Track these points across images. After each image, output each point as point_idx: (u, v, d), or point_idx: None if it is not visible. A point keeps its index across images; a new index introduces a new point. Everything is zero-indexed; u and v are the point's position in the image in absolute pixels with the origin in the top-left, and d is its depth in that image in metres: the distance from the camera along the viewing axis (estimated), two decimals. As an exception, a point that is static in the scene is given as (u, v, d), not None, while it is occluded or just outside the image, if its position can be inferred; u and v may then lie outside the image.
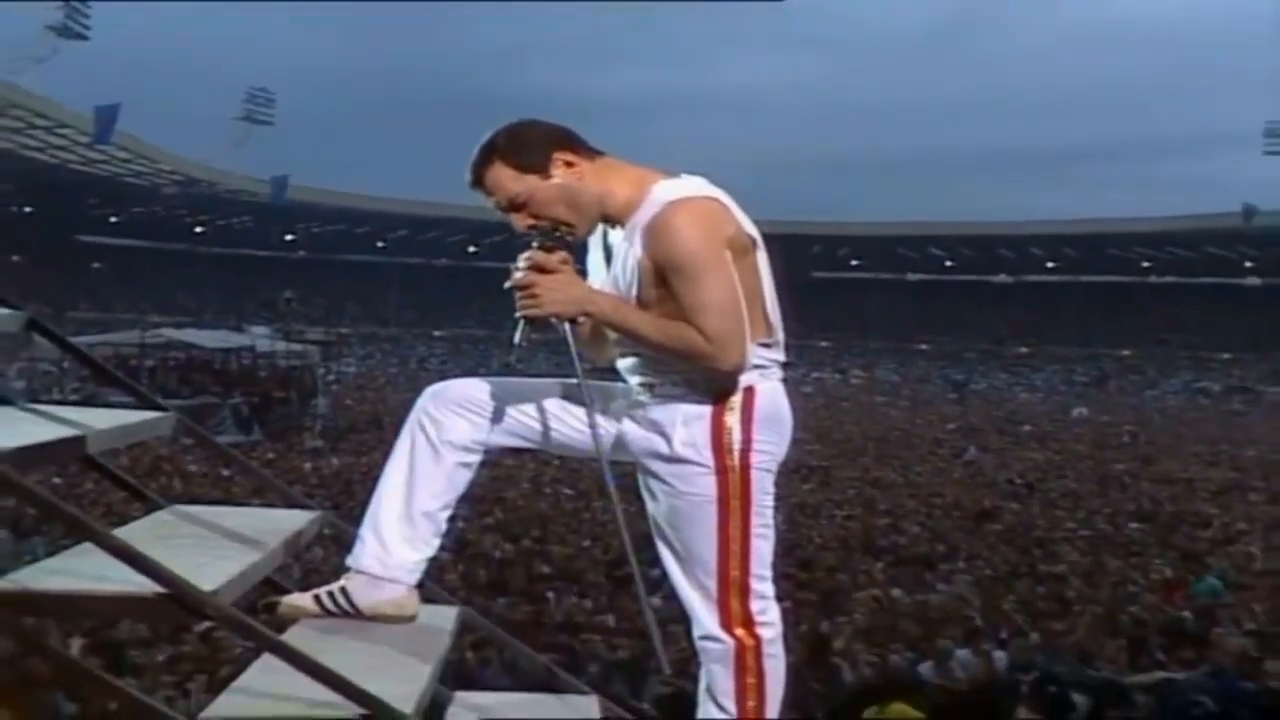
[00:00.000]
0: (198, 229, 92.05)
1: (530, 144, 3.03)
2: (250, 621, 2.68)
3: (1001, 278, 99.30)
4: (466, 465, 3.24)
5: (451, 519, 3.31)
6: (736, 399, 3.00)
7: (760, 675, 3.04)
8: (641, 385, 3.14)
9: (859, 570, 15.05)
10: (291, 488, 4.70)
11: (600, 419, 3.14)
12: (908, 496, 23.66)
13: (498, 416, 3.21)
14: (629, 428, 3.13)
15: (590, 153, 3.08)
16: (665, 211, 2.92)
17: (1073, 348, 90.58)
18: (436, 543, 3.28)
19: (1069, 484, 27.21)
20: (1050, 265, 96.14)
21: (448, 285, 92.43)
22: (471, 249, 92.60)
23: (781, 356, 3.13)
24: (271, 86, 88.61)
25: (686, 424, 3.01)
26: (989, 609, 12.70)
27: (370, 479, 3.30)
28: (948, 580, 14.87)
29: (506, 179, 3.02)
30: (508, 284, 2.96)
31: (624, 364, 3.19)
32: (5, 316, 3.36)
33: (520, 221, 3.04)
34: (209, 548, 3.03)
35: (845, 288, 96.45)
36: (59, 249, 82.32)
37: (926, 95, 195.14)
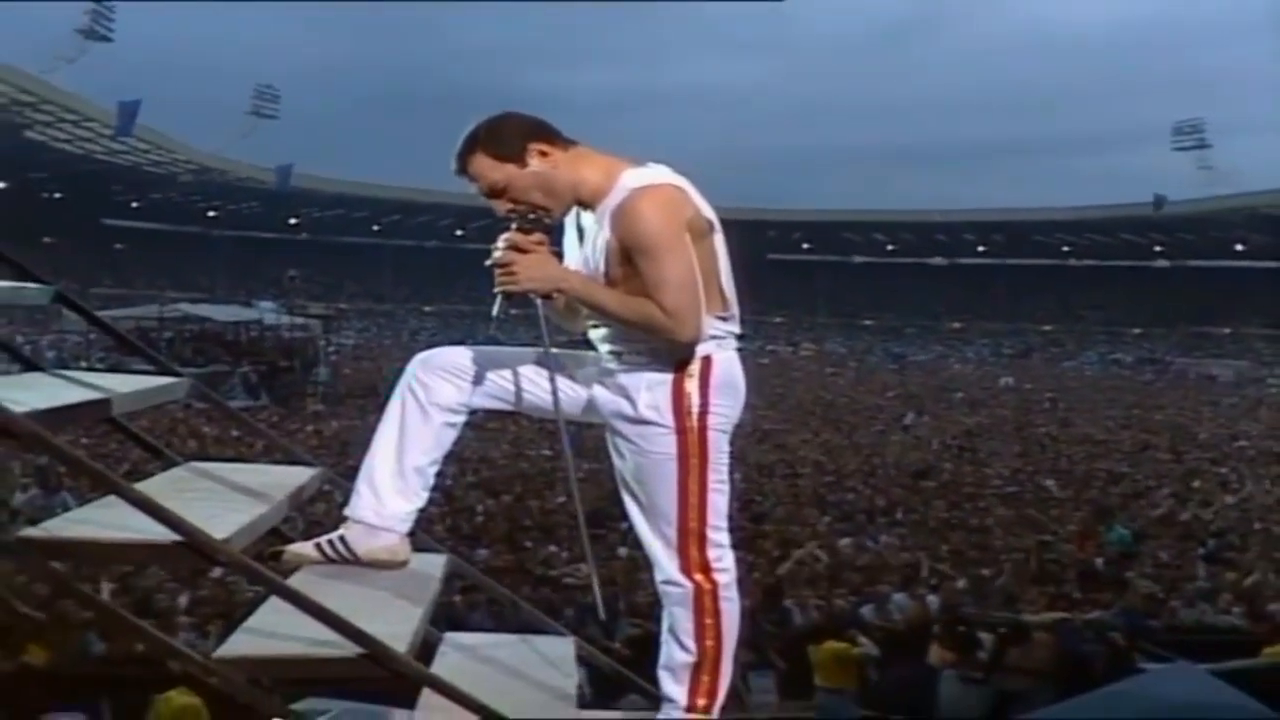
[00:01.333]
0: (210, 213, 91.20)
1: (507, 135, 3.03)
2: (259, 567, 2.68)
3: (937, 260, 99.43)
4: (452, 425, 3.26)
5: (439, 475, 3.33)
6: (695, 367, 3.01)
7: (718, 616, 3.05)
8: (610, 353, 3.14)
9: (808, 524, 15.10)
10: (295, 447, 4.70)
11: (572, 384, 3.20)
12: (852, 457, 23.74)
13: (479, 381, 3.23)
14: (598, 392, 3.15)
15: (564, 143, 3.08)
16: (631, 197, 2.93)
17: (1001, 323, 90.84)
18: (425, 495, 3.30)
19: (996, 445, 27.38)
20: (981, 249, 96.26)
21: (437, 265, 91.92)
22: (458, 232, 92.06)
23: (737, 329, 3.13)
24: (277, 83, 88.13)
25: (650, 389, 3.02)
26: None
27: (366, 440, 3.31)
28: (888, 532, 14.95)
29: (486, 167, 3.03)
30: (488, 262, 2.97)
31: (595, 334, 3.19)
32: (37, 291, 3.36)
33: (500, 206, 3.05)
34: (221, 500, 3.03)
35: (797, 269, 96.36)
36: (86, 231, 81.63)
37: (870, 95, 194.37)
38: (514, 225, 3.01)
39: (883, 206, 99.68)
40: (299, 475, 3.54)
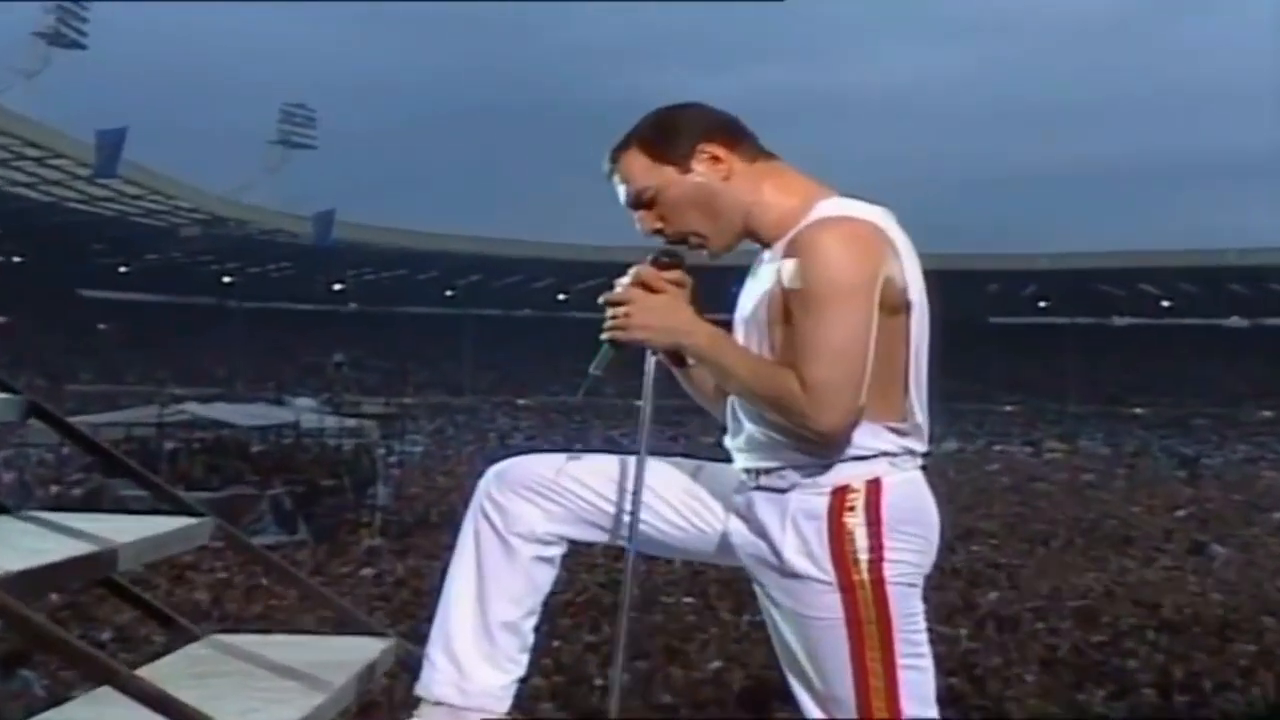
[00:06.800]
0: (226, 279, 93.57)
1: (675, 130, 3.05)
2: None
3: (1235, 320, 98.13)
4: (546, 560, 3.21)
5: (543, 633, 3.28)
6: (859, 496, 2.92)
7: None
8: (746, 471, 3.09)
9: (1074, 703, 14.82)
10: (344, 599, 4.68)
11: (705, 509, 3.17)
12: (1130, 606, 23.28)
13: (574, 501, 3.19)
14: (735, 527, 3.10)
15: (751, 151, 3.06)
16: (814, 227, 2.88)
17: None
18: (524, 659, 3.24)
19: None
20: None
21: (533, 342, 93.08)
22: (560, 296, 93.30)
23: (920, 446, 3.03)
24: (311, 102, 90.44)
25: (797, 528, 2.96)
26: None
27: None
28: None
29: (639, 168, 3.04)
30: (602, 299, 3.01)
31: (731, 443, 3.15)
32: (2, 403, 3.38)
33: (646, 223, 3.06)
34: (258, 689, 3.03)
35: (1033, 336, 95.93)
36: (56, 306, 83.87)
37: (1121, 91, 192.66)
38: (651, 258, 3.03)
39: (1152, 246, 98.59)
40: (363, 649, 3.53)
